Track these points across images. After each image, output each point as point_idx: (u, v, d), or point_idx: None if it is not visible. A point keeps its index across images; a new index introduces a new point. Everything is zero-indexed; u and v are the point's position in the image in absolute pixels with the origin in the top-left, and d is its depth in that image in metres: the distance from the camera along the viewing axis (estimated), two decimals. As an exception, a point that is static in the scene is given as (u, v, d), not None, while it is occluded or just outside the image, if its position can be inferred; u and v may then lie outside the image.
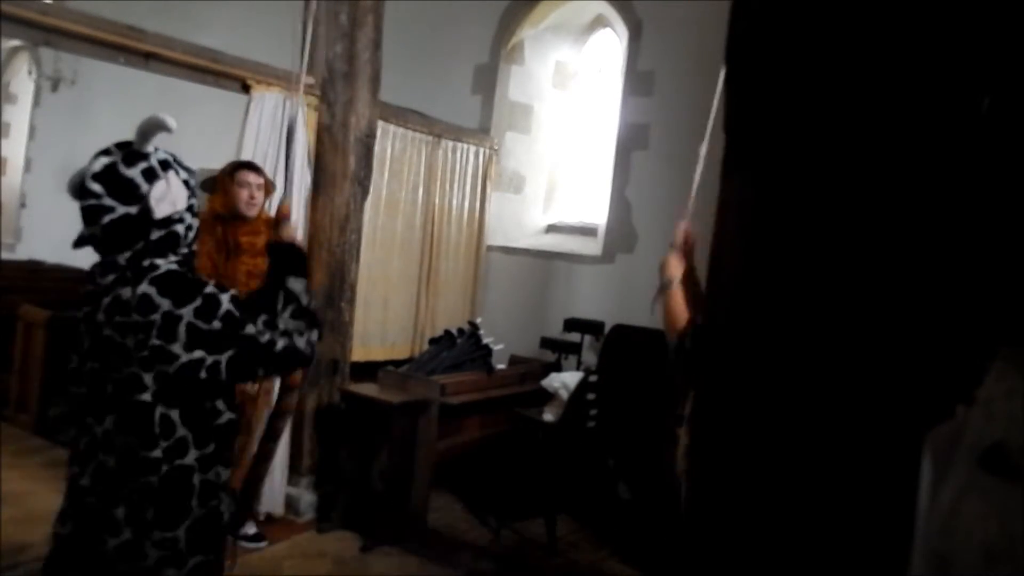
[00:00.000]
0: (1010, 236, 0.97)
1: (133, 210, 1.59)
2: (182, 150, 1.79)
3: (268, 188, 3.64)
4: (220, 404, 1.68)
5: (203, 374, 1.56)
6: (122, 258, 1.59)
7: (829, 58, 1.09)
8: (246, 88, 3.81)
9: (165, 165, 1.65)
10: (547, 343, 5.15)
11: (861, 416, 1.05)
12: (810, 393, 1.09)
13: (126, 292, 1.56)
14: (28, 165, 9.51)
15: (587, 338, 5.07)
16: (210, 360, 1.55)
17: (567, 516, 4.32)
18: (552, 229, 6.01)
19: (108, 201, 1.58)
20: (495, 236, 5.79)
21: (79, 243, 1.66)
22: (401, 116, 4.84)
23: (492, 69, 5.87)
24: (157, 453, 1.58)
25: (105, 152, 1.62)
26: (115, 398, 1.58)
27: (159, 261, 1.62)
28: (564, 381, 4.38)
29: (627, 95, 5.25)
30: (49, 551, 1.66)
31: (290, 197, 2.27)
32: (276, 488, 3.98)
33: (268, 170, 3.74)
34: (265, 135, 3.88)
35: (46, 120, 9.29)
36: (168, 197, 1.62)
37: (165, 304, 1.54)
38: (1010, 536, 0.86)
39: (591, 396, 4.20)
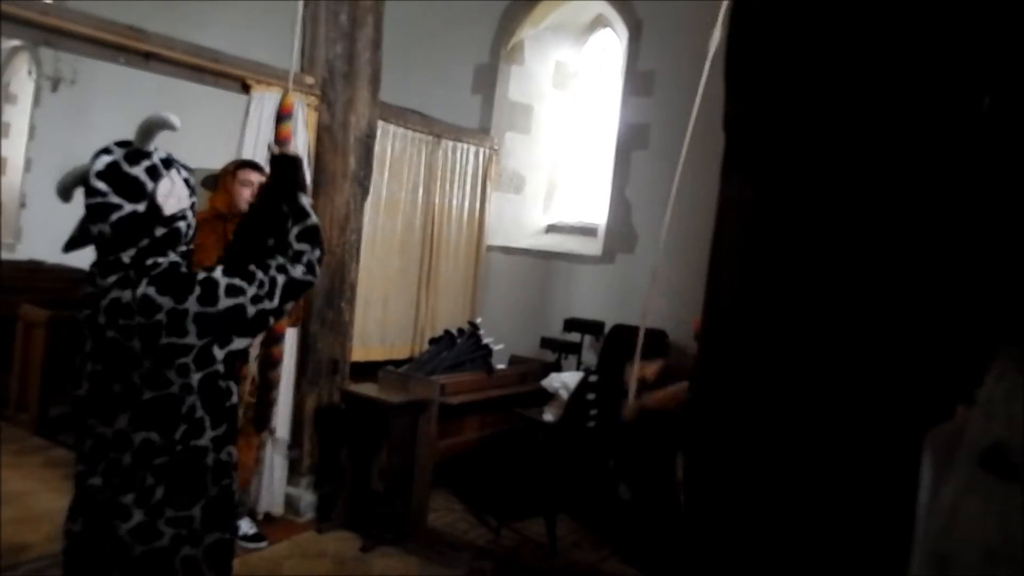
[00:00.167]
0: (1010, 236, 0.97)
1: (140, 207, 1.60)
2: (182, 150, 1.80)
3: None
4: (232, 385, 1.72)
5: (249, 319, 1.64)
6: (126, 256, 1.60)
7: (829, 58, 1.09)
8: (246, 88, 3.81)
9: (167, 163, 1.67)
10: (547, 343, 5.14)
11: (861, 416, 1.05)
12: (810, 393, 1.09)
13: (126, 295, 1.57)
14: (28, 165, 9.51)
15: (587, 338, 5.06)
16: (253, 309, 1.63)
17: (567, 516, 4.31)
18: (552, 229, 6.01)
19: (115, 199, 1.59)
20: (495, 236, 5.78)
21: (70, 246, 1.67)
22: (401, 116, 4.83)
23: (492, 69, 5.86)
24: (176, 436, 1.61)
25: (105, 151, 1.63)
26: (129, 397, 1.59)
27: (161, 259, 1.63)
28: (564, 381, 4.38)
29: (627, 95, 5.25)
30: (63, 548, 1.67)
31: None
32: (276, 488, 3.98)
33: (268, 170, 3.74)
34: (265, 135, 3.87)
35: (46, 120, 9.28)
36: (174, 193, 1.64)
37: (167, 303, 1.55)
38: (1010, 536, 0.86)
39: (591, 396, 4.19)
